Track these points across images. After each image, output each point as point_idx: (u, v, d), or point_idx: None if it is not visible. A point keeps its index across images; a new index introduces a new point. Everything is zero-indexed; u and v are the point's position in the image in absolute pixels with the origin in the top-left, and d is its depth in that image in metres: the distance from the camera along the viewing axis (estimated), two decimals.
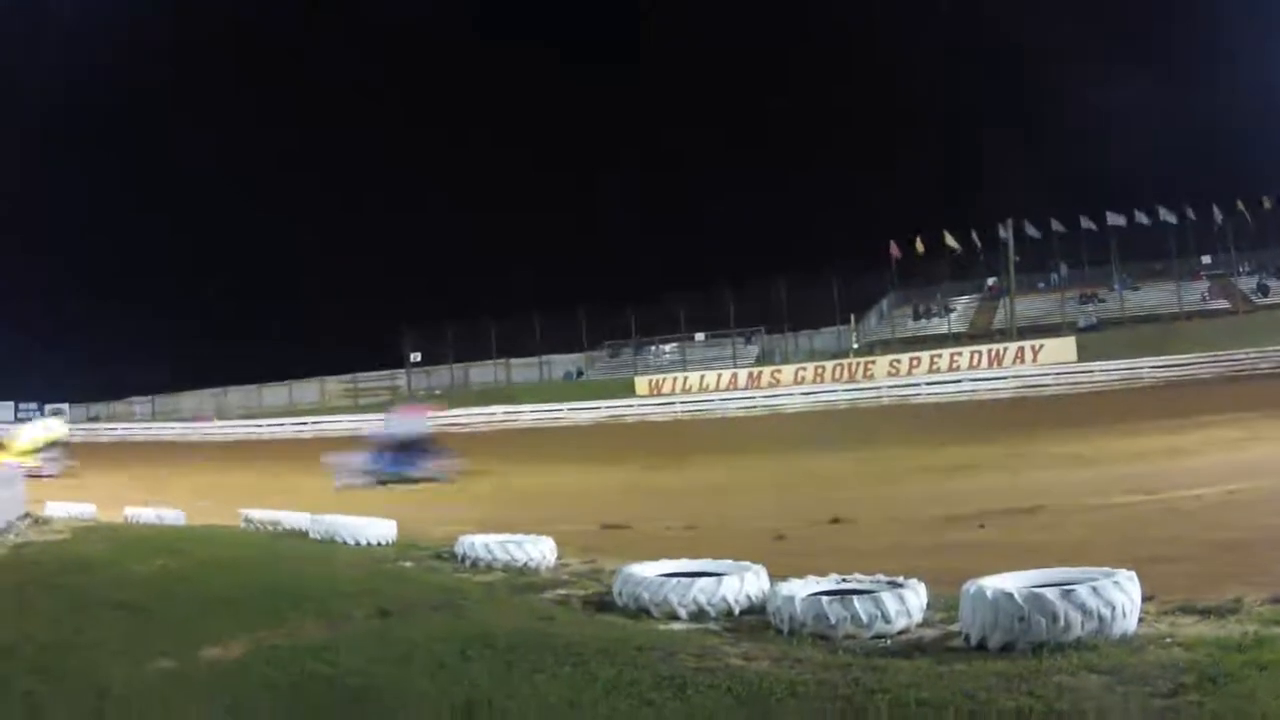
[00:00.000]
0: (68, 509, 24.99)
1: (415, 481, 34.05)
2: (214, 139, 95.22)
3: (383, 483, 33.94)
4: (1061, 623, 7.86)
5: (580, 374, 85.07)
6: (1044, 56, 73.25)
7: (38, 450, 41.12)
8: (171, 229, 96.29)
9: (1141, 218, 72.93)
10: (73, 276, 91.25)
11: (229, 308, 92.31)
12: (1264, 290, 70.70)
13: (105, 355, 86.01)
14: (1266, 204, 71.32)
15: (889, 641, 8.76)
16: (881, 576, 9.94)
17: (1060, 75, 71.67)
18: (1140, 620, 8.26)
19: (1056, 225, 75.06)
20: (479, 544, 14.81)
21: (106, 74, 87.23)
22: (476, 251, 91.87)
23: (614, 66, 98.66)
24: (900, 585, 9.46)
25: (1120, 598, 8.02)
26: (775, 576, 10.70)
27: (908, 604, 9.10)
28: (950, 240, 77.14)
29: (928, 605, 9.36)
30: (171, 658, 9.23)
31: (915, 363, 68.00)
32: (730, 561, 11.35)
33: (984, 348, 67.73)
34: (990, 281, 79.05)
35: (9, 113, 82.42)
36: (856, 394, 64.83)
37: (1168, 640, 7.88)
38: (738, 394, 69.94)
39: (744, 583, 10.49)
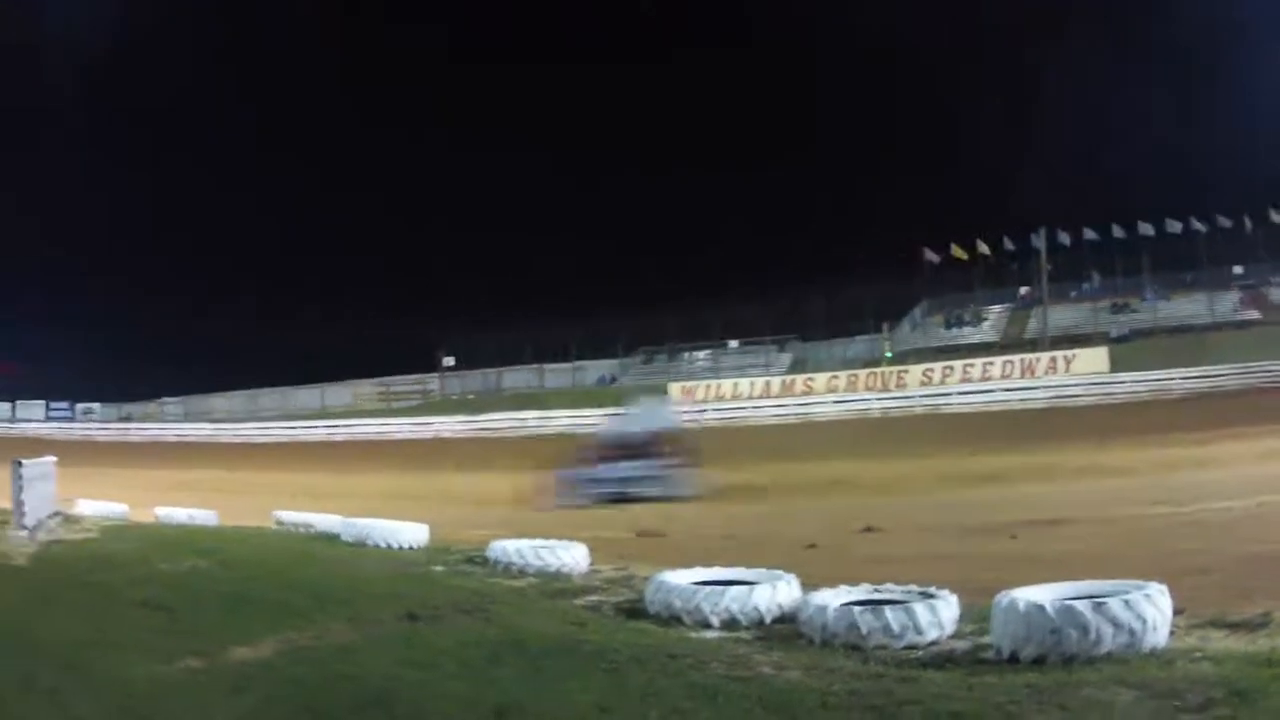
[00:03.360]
0: (98, 507, 25.08)
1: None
2: (251, 141, 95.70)
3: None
4: (1093, 636, 7.84)
5: (614, 380, 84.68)
6: (1081, 65, 72.94)
7: None
8: (206, 230, 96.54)
9: (1173, 227, 72.50)
10: (107, 276, 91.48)
11: (262, 309, 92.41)
12: None
13: (138, 356, 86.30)
14: None
15: (920, 652, 8.74)
16: (913, 587, 9.92)
17: (1096, 83, 71.47)
18: (1170, 634, 8.23)
19: (1089, 234, 74.57)
20: (511, 549, 14.85)
21: (145, 69, 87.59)
22: (511, 257, 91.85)
23: (647, 69, 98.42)
24: (932, 596, 9.45)
25: (1151, 611, 8.00)
26: (807, 585, 10.72)
27: (939, 615, 9.10)
28: (983, 247, 76.87)
29: (959, 616, 9.34)
30: (199, 656, 9.28)
31: (947, 372, 67.70)
32: (763, 570, 11.35)
33: (1016, 357, 67.30)
34: (1023, 290, 78.54)
35: (45, 113, 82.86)
36: (889, 403, 64.63)
37: (1197, 654, 7.85)
38: (771, 401, 69.51)
39: (776, 591, 10.50)
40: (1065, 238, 74.54)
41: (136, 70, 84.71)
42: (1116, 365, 62.59)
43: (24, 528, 20.66)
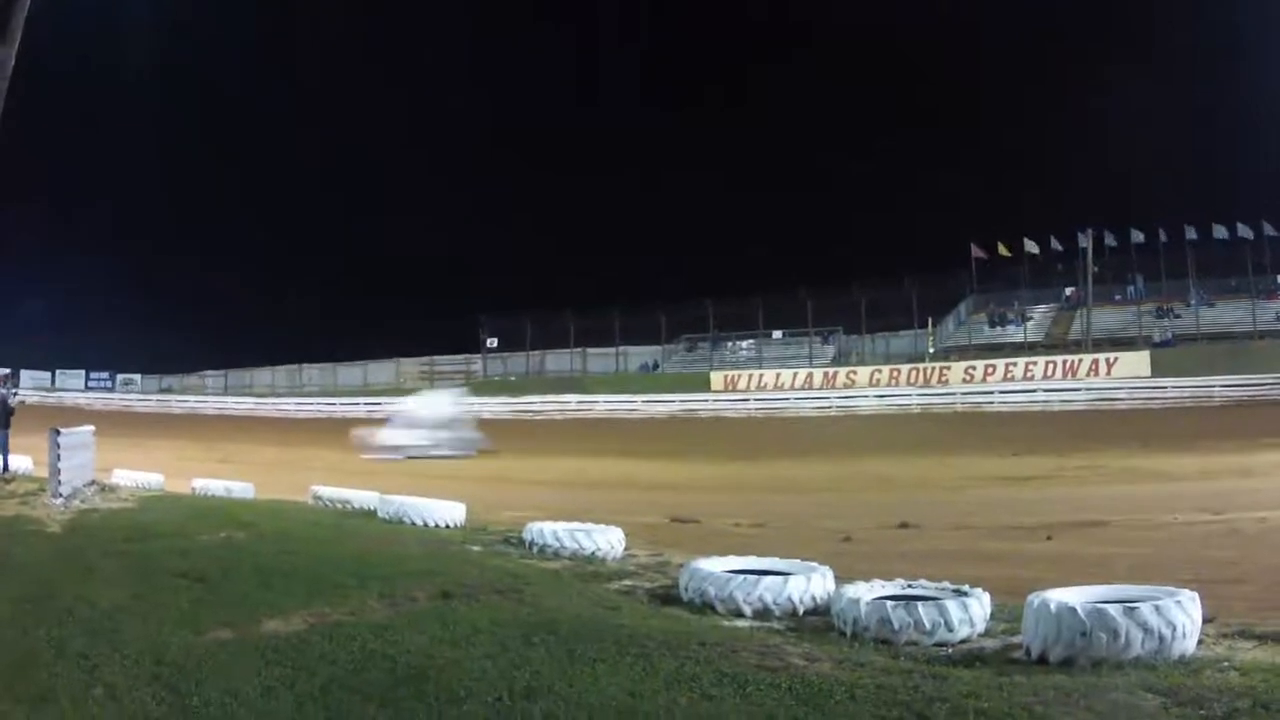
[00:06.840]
0: (135, 478, 25.23)
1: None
2: (301, 121, 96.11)
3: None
4: (1123, 640, 7.86)
5: (656, 366, 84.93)
6: (1127, 68, 72.43)
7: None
8: (252, 205, 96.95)
9: (1219, 232, 71.79)
10: (150, 249, 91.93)
11: (307, 285, 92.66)
12: None
13: (179, 328, 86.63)
14: None
15: (951, 649, 8.78)
16: (947, 584, 9.94)
17: (1142, 87, 70.77)
18: (1199, 642, 8.25)
19: (1136, 236, 73.88)
20: (547, 531, 14.92)
21: (207, 47, 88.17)
22: (557, 243, 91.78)
23: (697, 70, 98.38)
24: (965, 594, 9.48)
25: (1181, 618, 8.02)
26: (841, 578, 10.75)
27: (971, 613, 9.12)
28: (1030, 246, 76.40)
29: (991, 615, 9.37)
30: (231, 628, 9.41)
31: (990, 370, 67.55)
32: (797, 561, 11.41)
33: (1059, 358, 66.96)
34: (1068, 291, 77.96)
35: (99, 83, 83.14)
36: (930, 399, 64.79)
37: (1225, 664, 7.86)
38: (812, 393, 69.69)
39: (810, 583, 10.54)
40: (1112, 239, 74.06)
41: (195, 41, 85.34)
42: (1158, 370, 62.28)
43: (59, 495, 20.90)
